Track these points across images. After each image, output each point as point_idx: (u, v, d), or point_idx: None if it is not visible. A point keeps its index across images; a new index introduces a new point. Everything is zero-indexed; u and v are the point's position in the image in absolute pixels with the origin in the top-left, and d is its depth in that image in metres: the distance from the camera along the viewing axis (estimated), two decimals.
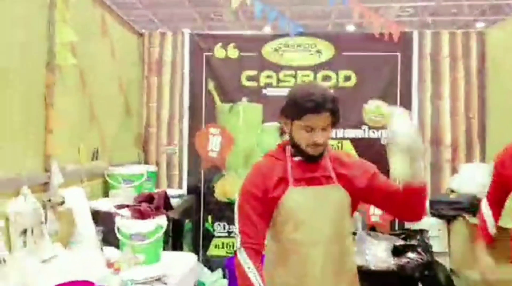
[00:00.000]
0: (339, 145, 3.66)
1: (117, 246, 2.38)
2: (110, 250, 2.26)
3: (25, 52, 2.08)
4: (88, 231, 2.35)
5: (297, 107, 1.47)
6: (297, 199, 1.49)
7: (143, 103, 3.78)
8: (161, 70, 3.79)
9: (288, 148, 1.57)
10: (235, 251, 1.52)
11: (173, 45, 3.79)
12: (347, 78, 3.68)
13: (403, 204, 1.50)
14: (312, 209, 1.50)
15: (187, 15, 9.03)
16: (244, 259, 1.47)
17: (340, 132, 3.66)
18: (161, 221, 2.36)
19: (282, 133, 1.60)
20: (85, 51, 2.67)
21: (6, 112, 1.94)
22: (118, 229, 2.32)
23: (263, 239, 1.52)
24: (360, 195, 1.56)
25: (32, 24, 2.15)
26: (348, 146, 3.65)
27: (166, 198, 2.63)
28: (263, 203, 1.49)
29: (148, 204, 2.48)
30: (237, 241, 1.50)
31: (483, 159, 3.57)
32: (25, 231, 1.97)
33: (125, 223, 2.29)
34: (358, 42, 3.67)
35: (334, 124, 1.51)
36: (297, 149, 1.53)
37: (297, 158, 1.54)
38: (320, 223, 1.50)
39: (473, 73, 3.62)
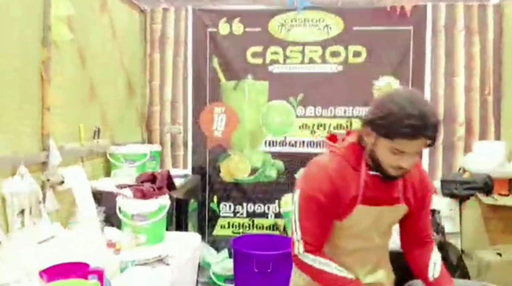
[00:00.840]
0: (348, 124, 3.55)
1: (119, 226, 2.34)
2: (111, 231, 2.21)
3: (20, 27, 1.99)
4: (89, 211, 2.30)
5: (389, 128, 1.24)
6: (361, 217, 1.40)
7: (145, 82, 3.69)
8: (164, 47, 3.67)
9: (364, 156, 1.38)
10: (294, 256, 1.42)
11: (176, 21, 3.66)
12: (357, 54, 3.54)
13: (408, 256, 1.56)
14: (370, 225, 1.44)
15: None
16: (310, 259, 1.39)
17: (349, 110, 3.55)
18: (164, 201, 2.30)
19: (360, 139, 1.39)
20: (84, 26, 2.57)
21: (1, 89, 1.87)
22: (120, 209, 2.26)
23: (324, 243, 1.43)
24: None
25: None
26: (357, 125, 3.52)
27: (169, 177, 2.56)
28: (327, 209, 1.38)
29: (151, 184, 2.42)
30: (296, 247, 1.40)
31: (498, 137, 3.43)
32: (22, 212, 1.93)
33: (127, 203, 2.23)
34: (368, 16, 3.50)
35: (430, 146, 1.30)
36: (375, 163, 1.35)
37: (372, 172, 1.37)
38: (372, 235, 1.46)
39: (490, 47, 3.45)
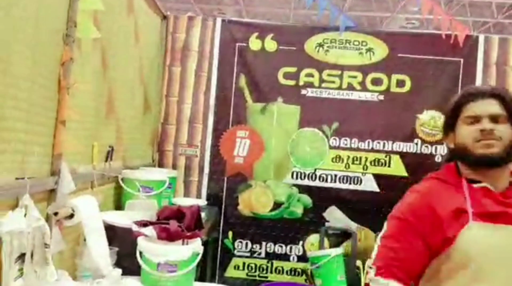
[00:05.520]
0: (386, 159, 3.18)
1: (136, 272, 1.88)
2: (129, 282, 1.74)
3: (35, 18, 1.56)
4: (101, 253, 1.83)
5: (455, 101, 1.28)
6: (481, 240, 1.08)
7: (162, 96, 3.26)
8: (185, 59, 3.27)
9: (463, 169, 1.24)
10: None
11: (202, 32, 3.28)
12: (401, 83, 3.21)
13: None
14: (501, 255, 1.09)
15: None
16: (381, 283, 1.11)
17: (388, 145, 3.18)
18: (197, 246, 1.85)
19: (450, 158, 1.32)
20: (109, 25, 2.16)
21: (6, 95, 1.42)
22: (141, 254, 1.81)
23: (410, 276, 1.14)
24: None
25: None
26: (397, 162, 3.16)
27: (198, 215, 2.12)
28: (418, 232, 1.13)
29: (178, 223, 1.97)
30: (370, 274, 1.15)
31: None
32: (22, 256, 1.46)
33: (151, 248, 1.77)
34: (415, 43, 3.20)
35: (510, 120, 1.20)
36: (466, 160, 1.22)
37: (477, 185, 1.19)
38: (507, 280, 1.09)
39: None
